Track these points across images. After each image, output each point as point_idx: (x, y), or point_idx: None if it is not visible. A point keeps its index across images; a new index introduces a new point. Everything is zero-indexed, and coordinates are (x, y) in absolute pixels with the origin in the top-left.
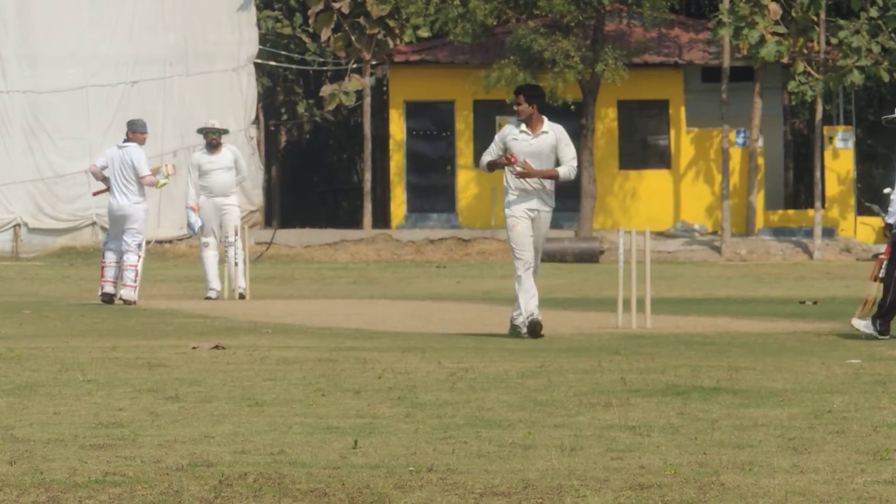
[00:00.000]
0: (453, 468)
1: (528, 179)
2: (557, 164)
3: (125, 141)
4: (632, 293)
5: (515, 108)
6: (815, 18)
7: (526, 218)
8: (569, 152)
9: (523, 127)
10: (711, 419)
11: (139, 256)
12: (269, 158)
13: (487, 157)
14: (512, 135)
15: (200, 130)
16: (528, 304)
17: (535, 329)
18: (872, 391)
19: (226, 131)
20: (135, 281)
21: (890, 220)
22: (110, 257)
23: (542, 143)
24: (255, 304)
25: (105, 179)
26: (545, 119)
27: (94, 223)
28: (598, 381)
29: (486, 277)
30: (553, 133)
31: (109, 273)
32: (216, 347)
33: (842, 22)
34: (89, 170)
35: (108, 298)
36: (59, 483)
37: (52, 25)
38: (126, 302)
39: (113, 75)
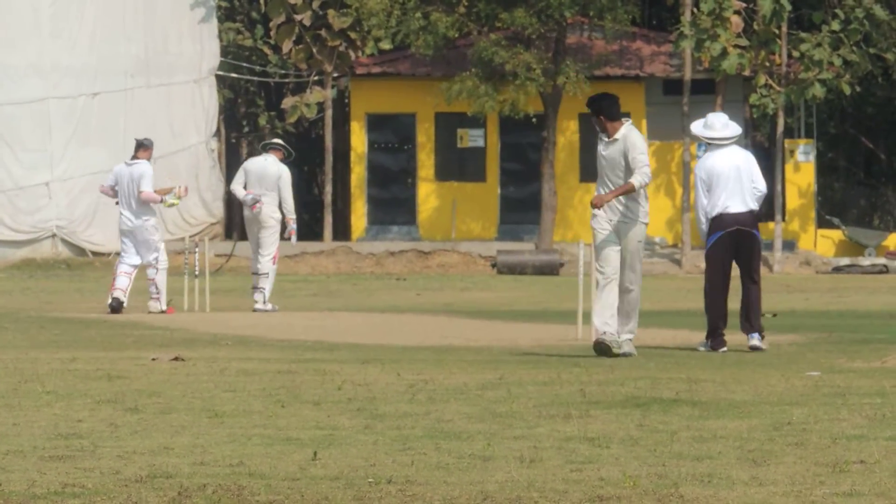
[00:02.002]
0: (412, 480)
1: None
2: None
3: (133, 158)
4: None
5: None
6: (777, 31)
7: (607, 229)
8: (639, 160)
9: (604, 135)
10: (671, 431)
11: (157, 269)
12: (230, 171)
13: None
14: (600, 138)
15: (268, 145)
16: (600, 317)
17: (602, 349)
18: (832, 403)
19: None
20: (157, 293)
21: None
22: (122, 268)
23: (613, 150)
24: (214, 317)
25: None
26: (623, 124)
27: (53, 235)
28: (558, 392)
29: (446, 290)
30: (623, 140)
31: (119, 282)
32: (176, 359)
33: (803, 35)
34: (100, 191)
35: (117, 304)
36: (17, 495)
37: (12, 36)
38: (153, 312)
39: (74, 87)
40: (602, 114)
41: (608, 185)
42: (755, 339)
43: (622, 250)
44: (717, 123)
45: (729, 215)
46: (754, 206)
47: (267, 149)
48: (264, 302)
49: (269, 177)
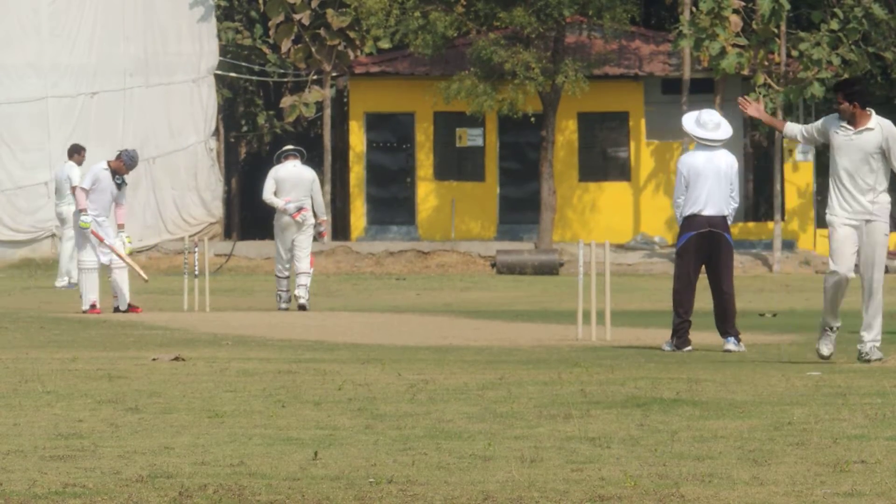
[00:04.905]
0: (413, 480)
1: (847, 185)
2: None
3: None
4: (591, 305)
5: (837, 106)
6: (776, 30)
7: (847, 225)
8: None
9: (844, 123)
10: (671, 431)
11: (112, 269)
12: (229, 170)
13: (796, 127)
14: (834, 127)
15: (285, 152)
16: (833, 317)
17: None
18: (832, 403)
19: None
20: (115, 293)
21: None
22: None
23: (864, 140)
24: (214, 317)
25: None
26: (872, 114)
27: (53, 235)
28: (558, 392)
29: (445, 290)
30: (880, 130)
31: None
32: (176, 359)
33: (802, 34)
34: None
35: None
36: (18, 494)
37: (10, 36)
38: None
39: (73, 86)
40: (856, 100)
41: (852, 177)
42: (730, 344)
43: (867, 251)
44: (710, 123)
45: (702, 217)
46: (728, 211)
47: (285, 156)
48: (307, 298)
49: (304, 181)
